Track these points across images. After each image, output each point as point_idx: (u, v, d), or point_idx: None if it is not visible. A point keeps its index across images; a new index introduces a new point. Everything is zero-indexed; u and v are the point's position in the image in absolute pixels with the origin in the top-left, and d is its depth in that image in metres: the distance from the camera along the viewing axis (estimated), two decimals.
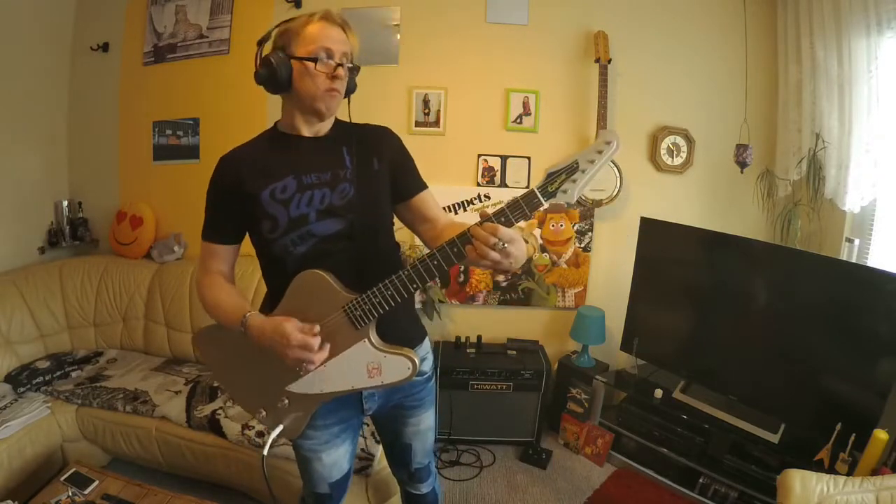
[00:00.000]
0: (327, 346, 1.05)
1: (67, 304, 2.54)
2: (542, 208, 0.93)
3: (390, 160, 1.18)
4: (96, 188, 2.86)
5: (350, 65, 1.10)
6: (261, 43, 1.12)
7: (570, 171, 0.91)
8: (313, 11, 1.08)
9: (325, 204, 1.09)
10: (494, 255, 0.89)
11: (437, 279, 1.03)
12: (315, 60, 1.04)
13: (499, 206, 0.91)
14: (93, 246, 2.90)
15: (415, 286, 1.01)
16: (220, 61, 2.65)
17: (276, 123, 1.18)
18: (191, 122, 2.72)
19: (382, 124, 1.23)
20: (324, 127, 1.16)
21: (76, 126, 2.83)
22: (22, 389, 2.15)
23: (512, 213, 0.91)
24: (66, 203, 2.81)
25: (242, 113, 2.64)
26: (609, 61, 2.42)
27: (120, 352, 2.55)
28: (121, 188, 2.85)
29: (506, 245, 0.89)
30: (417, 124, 2.59)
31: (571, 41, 2.52)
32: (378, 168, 1.15)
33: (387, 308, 1.03)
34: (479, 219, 0.92)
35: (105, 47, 2.72)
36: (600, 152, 0.90)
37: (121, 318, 2.58)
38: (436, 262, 0.97)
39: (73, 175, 2.87)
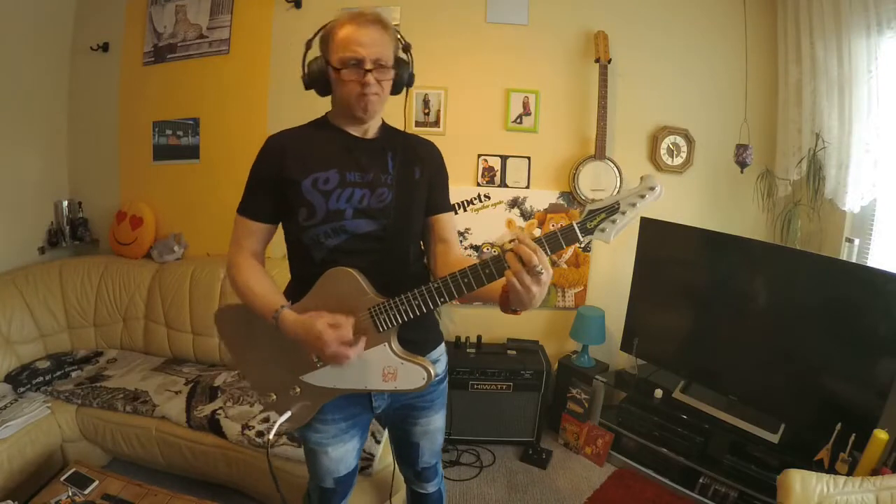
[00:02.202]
0: (363, 339, 1.04)
1: (67, 304, 2.54)
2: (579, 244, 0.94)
3: (431, 173, 1.20)
4: (96, 188, 2.86)
5: (399, 61, 1.10)
6: (308, 45, 1.13)
7: (610, 211, 0.91)
8: (350, 13, 1.06)
9: (363, 204, 1.11)
10: (528, 279, 0.87)
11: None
12: (340, 70, 1.04)
13: (536, 237, 0.92)
14: (93, 246, 2.90)
15: (442, 300, 1.01)
16: (220, 61, 2.65)
17: (327, 114, 1.19)
18: (191, 122, 2.72)
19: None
20: (371, 129, 1.17)
21: (76, 126, 2.83)
22: (22, 389, 2.15)
23: (549, 243, 0.91)
24: (66, 203, 2.81)
25: (242, 113, 2.65)
26: (609, 61, 2.42)
27: (120, 352, 2.54)
28: (121, 188, 2.85)
29: (542, 270, 0.87)
30: (417, 124, 2.59)
31: (571, 41, 2.52)
32: (419, 178, 1.17)
33: (412, 317, 1.04)
34: (516, 242, 0.92)
35: (105, 47, 2.72)
36: (643, 196, 0.91)
37: (121, 318, 2.58)
38: (466, 280, 0.97)
39: (73, 175, 2.87)
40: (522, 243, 0.88)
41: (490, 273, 0.95)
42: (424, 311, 1.03)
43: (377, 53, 1.05)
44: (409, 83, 1.17)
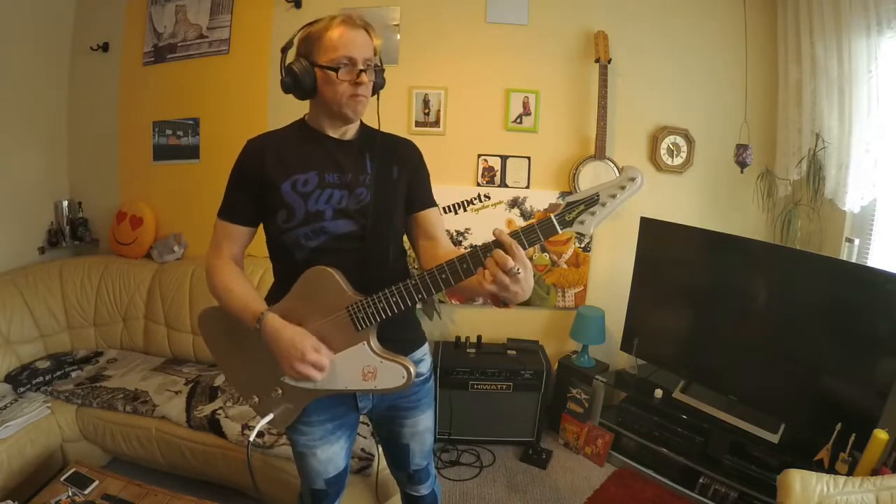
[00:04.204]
0: (328, 371, 1.06)
1: (67, 304, 2.54)
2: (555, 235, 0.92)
3: (409, 171, 1.19)
4: (96, 188, 2.86)
5: (376, 66, 1.11)
6: (284, 50, 1.12)
7: (589, 202, 0.90)
8: (333, 15, 1.07)
9: (341, 205, 1.11)
10: (505, 279, 0.87)
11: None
12: (337, 69, 1.05)
13: (513, 230, 0.90)
14: (93, 246, 2.90)
15: (420, 296, 1.01)
16: (220, 61, 2.64)
17: (304, 116, 1.19)
18: (191, 122, 2.72)
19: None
20: (349, 130, 1.17)
21: (76, 126, 2.83)
22: (22, 389, 2.15)
23: (526, 237, 0.90)
24: (66, 203, 2.80)
25: (242, 113, 2.65)
26: (609, 61, 2.42)
27: (120, 352, 2.55)
28: (121, 188, 2.85)
29: (520, 271, 0.87)
30: (417, 124, 2.59)
31: (571, 41, 2.52)
32: (397, 177, 1.17)
33: (390, 314, 1.04)
34: (492, 238, 0.90)
35: (105, 47, 2.72)
36: (623, 188, 0.89)
37: (121, 318, 2.58)
38: (444, 276, 0.97)
39: (73, 175, 2.87)
40: (499, 241, 0.88)
41: (467, 268, 0.95)
42: (403, 308, 1.03)
43: (367, 55, 1.07)
44: (382, 86, 1.17)
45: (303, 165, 1.11)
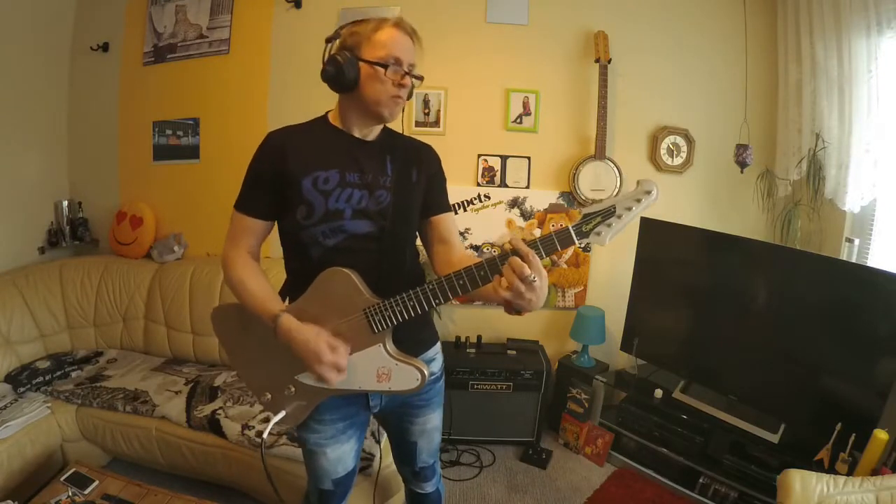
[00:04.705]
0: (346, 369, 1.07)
1: (67, 304, 2.54)
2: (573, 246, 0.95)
3: (428, 175, 1.20)
4: (96, 188, 2.86)
5: (416, 75, 1.12)
6: (329, 41, 1.13)
7: (606, 214, 0.92)
8: (384, 17, 1.10)
9: (361, 205, 1.11)
10: (521, 286, 0.89)
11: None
12: (386, 66, 1.06)
13: (530, 240, 0.92)
14: (93, 246, 2.90)
15: (437, 301, 1.02)
16: (220, 61, 2.65)
17: (327, 113, 1.20)
18: (191, 122, 2.72)
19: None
20: (373, 131, 1.18)
21: (76, 126, 2.83)
22: (22, 389, 2.15)
23: (543, 246, 0.92)
24: (66, 203, 2.81)
25: (242, 113, 2.65)
26: (609, 61, 2.42)
27: (120, 352, 2.54)
28: (121, 188, 2.85)
29: (536, 279, 0.89)
30: (417, 124, 2.59)
31: (571, 41, 2.52)
32: (416, 180, 1.18)
33: (406, 318, 1.05)
34: (508, 246, 0.92)
35: (105, 47, 2.72)
36: (639, 200, 0.91)
37: (121, 318, 2.58)
38: (461, 282, 0.98)
39: (73, 175, 2.87)
40: (516, 250, 0.89)
41: (484, 275, 0.96)
42: (419, 312, 1.04)
43: (412, 60, 1.11)
44: (411, 96, 1.19)
45: (324, 163, 1.11)
